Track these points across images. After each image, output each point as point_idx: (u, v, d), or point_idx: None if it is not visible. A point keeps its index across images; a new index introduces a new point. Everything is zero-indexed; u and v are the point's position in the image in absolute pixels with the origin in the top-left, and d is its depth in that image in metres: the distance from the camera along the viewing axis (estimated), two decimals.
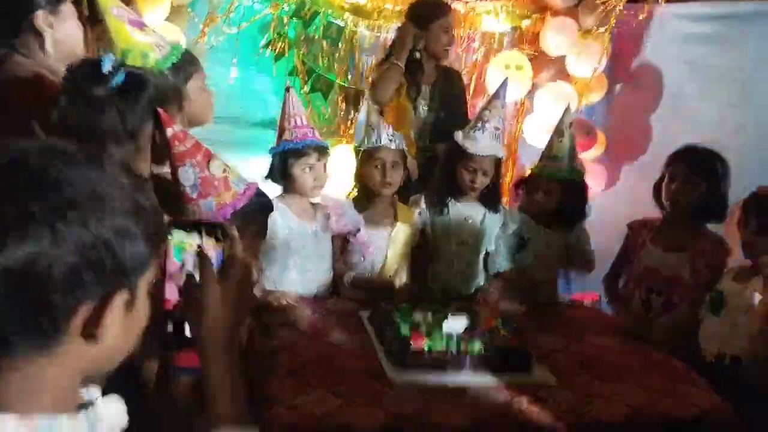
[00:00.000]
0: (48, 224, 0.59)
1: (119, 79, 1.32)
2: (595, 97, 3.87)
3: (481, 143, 2.21)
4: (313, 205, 2.18)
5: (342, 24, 3.58)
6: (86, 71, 1.34)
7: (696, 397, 1.65)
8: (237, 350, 0.87)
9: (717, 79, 3.15)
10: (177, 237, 0.85)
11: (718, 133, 2.94)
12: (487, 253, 2.39)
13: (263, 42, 3.51)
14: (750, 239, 1.79)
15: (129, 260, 0.65)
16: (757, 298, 1.68)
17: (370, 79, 2.93)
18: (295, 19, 3.49)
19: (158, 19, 3.13)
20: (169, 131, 1.41)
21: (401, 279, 2.27)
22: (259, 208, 1.55)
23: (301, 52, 3.57)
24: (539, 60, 3.89)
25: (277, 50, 3.49)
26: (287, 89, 2.10)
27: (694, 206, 2.10)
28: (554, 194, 2.28)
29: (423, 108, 2.83)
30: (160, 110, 1.43)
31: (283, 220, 2.06)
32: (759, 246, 1.76)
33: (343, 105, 3.60)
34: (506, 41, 3.88)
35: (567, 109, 2.32)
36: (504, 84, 2.44)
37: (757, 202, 1.78)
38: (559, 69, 3.83)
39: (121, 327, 0.67)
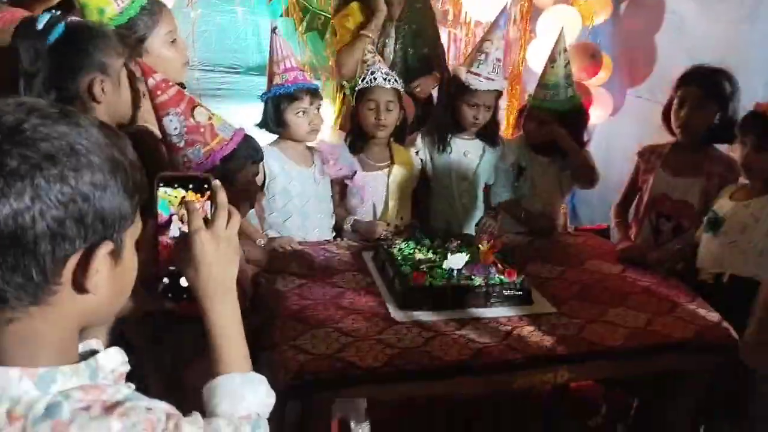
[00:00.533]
0: (28, 180, 0.62)
1: (57, 33, 1.30)
2: (600, 18, 3.74)
3: (483, 77, 2.17)
4: (309, 149, 2.17)
5: None
6: (23, 29, 1.33)
7: (695, 318, 1.68)
8: (236, 297, 0.89)
9: None
10: (162, 191, 0.86)
11: (724, 52, 2.84)
12: (487, 187, 2.39)
13: None
14: (748, 157, 1.75)
15: (109, 213, 0.68)
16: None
17: (335, 25, 2.78)
18: None
19: None
20: (150, 81, 1.40)
21: (404, 219, 2.27)
22: (248, 153, 1.56)
23: None
24: None
25: None
26: (273, 31, 2.04)
27: (707, 129, 2.04)
28: (550, 124, 2.23)
29: (390, 47, 2.72)
30: (140, 61, 1.41)
31: (280, 167, 2.06)
32: (757, 164, 1.73)
33: None
34: None
35: (560, 34, 2.24)
36: (503, 11, 2.37)
37: (754, 119, 1.73)
38: None
39: (110, 278, 0.70)
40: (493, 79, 2.18)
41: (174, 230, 0.87)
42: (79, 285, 0.67)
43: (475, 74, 2.17)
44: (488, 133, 2.31)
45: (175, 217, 0.87)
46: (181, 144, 1.43)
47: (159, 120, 1.43)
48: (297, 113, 2.03)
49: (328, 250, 2.06)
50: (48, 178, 0.62)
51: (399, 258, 1.82)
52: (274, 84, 2.01)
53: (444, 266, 1.74)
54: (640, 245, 2.14)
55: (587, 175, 2.28)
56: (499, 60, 2.20)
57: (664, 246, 2.07)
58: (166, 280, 0.89)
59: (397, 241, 1.94)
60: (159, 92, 1.41)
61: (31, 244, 0.63)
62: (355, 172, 2.18)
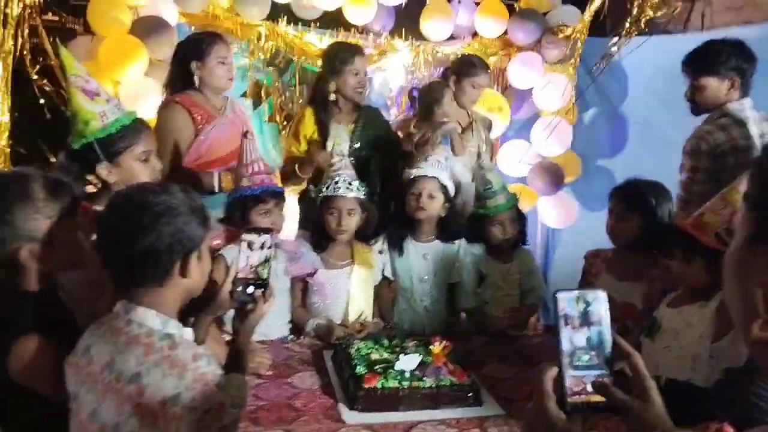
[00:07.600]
0: (153, 226, 1.23)
1: None
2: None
3: (422, 168, 2.38)
4: None
5: (317, 69, 3.75)
6: None
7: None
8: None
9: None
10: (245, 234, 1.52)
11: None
12: (451, 286, 2.48)
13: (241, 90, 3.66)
14: (680, 269, 1.86)
15: (194, 236, 1.29)
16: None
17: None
18: (270, 68, 3.65)
19: (137, 73, 3.29)
20: None
21: (367, 318, 2.32)
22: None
23: (280, 98, 3.72)
24: (508, 94, 4.04)
25: (253, 96, 3.65)
26: (244, 135, 2.18)
27: (635, 238, 2.18)
28: (503, 226, 2.41)
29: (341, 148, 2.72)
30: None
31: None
32: (688, 274, 1.84)
33: None
34: None
35: (479, 153, 2.62)
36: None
37: (678, 235, 1.86)
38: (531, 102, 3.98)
39: (197, 271, 1.32)
40: (432, 170, 2.37)
41: (243, 259, 1.50)
42: (183, 274, 1.29)
43: (416, 167, 2.40)
44: (444, 226, 2.45)
45: (243, 253, 1.50)
46: None
47: None
48: (261, 213, 2.15)
49: (290, 348, 2.12)
50: (162, 223, 1.24)
51: (356, 358, 1.87)
52: (241, 185, 2.14)
53: (396, 367, 1.79)
54: None
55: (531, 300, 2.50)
56: (439, 162, 2.41)
57: None
58: (239, 288, 1.48)
59: (355, 341, 2.00)
60: None
61: (159, 254, 1.24)
62: (317, 270, 2.26)
